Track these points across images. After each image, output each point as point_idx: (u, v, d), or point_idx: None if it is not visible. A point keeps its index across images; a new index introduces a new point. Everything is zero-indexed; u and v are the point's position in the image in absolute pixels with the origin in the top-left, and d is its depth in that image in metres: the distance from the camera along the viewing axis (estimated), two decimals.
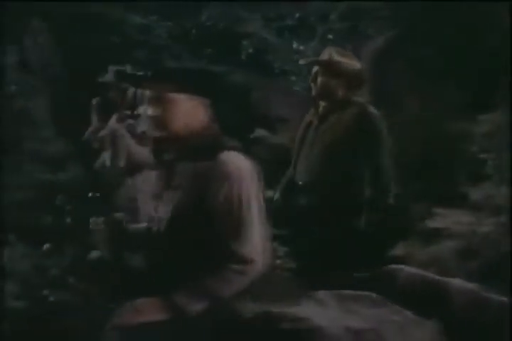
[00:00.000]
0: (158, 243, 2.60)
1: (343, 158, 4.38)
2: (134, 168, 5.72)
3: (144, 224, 2.77)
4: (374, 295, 2.86)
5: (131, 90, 6.28)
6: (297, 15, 8.51)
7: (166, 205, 2.59)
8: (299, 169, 4.54)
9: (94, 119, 6.91)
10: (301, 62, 5.09)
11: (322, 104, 4.59)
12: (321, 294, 2.81)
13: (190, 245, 2.50)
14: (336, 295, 2.81)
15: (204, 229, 2.48)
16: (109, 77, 6.20)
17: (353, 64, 4.55)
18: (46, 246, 5.08)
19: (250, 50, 8.34)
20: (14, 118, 6.99)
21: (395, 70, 7.97)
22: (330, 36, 8.69)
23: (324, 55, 4.63)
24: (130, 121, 6.30)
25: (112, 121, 6.28)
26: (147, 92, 2.61)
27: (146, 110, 2.60)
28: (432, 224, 5.96)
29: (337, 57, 4.51)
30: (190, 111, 2.59)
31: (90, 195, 2.74)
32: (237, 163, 2.50)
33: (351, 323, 2.61)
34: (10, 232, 5.68)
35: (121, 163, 6.58)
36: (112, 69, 6.24)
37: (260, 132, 7.88)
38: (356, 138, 4.36)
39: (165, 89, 2.56)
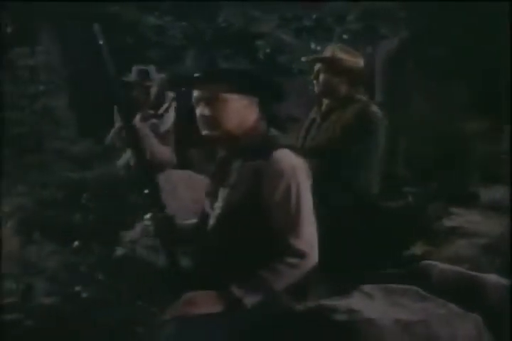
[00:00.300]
0: (210, 238, 2.68)
1: (341, 156, 4.40)
2: (157, 167, 5.79)
3: (193, 221, 2.85)
4: (418, 288, 2.93)
5: (154, 89, 6.35)
6: (314, 16, 8.56)
7: (218, 202, 2.68)
8: None
9: (118, 119, 6.98)
10: (304, 59, 4.99)
11: (325, 101, 4.58)
12: (368, 288, 2.89)
13: (242, 240, 2.59)
14: (383, 289, 2.89)
15: (257, 224, 2.57)
16: (132, 76, 6.26)
17: (356, 61, 4.51)
18: (76, 243, 5.15)
19: (267, 50, 8.40)
20: (38, 117, 7.07)
21: (408, 70, 8.02)
22: (345, 36, 8.73)
23: (327, 52, 4.58)
24: (153, 120, 6.37)
25: (136, 121, 6.34)
26: (201, 93, 2.70)
27: (201, 110, 2.68)
28: (449, 223, 6.00)
29: (340, 55, 4.48)
30: (242, 111, 2.67)
31: (146, 191, 2.81)
32: (291, 160, 2.60)
33: (400, 316, 2.69)
34: (36, 230, 5.76)
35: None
36: (135, 69, 6.31)
37: (272, 131, 7.93)
38: (352, 137, 4.37)
39: (217, 90, 2.65)
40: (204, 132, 2.70)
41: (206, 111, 2.68)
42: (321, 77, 4.51)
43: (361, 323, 2.61)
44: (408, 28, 7.95)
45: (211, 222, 2.71)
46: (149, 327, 4.53)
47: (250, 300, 2.51)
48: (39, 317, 4.64)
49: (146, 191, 2.81)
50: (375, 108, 4.50)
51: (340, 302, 2.72)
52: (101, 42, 2.87)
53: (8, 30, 6.56)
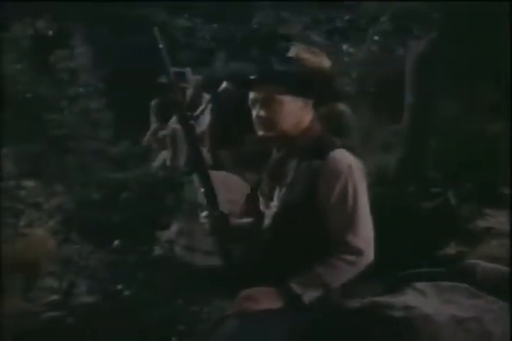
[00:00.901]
0: (265, 237, 2.74)
1: None
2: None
3: (248, 219, 2.92)
4: (468, 286, 2.96)
5: (190, 91, 6.43)
6: (347, 17, 8.58)
7: (274, 201, 2.74)
8: None
9: (153, 120, 7.07)
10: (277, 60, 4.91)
11: None
12: (420, 285, 2.93)
13: (298, 238, 2.65)
14: (434, 286, 2.92)
15: (313, 222, 2.63)
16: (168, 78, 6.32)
17: (319, 61, 4.39)
18: (116, 243, 5.23)
19: None
20: (77, 118, 7.17)
21: (437, 71, 8.01)
22: (376, 37, 8.73)
23: (291, 53, 4.48)
24: (190, 121, 6.44)
25: (173, 122, 6.43)
26: (256, 94, 2.76)
27: (257, 111, 2.74)
28: (483, 223, 6.01)
29: (303, 55, 4.37)
30: (297, 112, 2.72)
31: (202, 190, 2.87)
32: (348, 160, 2.65)
33: (454, 312, 2.72)
34: (75, 230, 5.86)
35: (181, 162, 6.76)
36: (172, 70, 6.38)
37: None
38: None
39: (272, 91, 2.71)
40: (260, 133, 2.76)
41: (262, 113, 2.73)
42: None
43: (418, 319, 2.64)
44: (439, 28, 7.95)
45: (266, 221, 2.77)
46: (190, 325, 4.62)
47: (309, 296, 2.57)
48: (81, 315, 4.73)
49: (202, 190, 2.86)
50: (342, 106, 4.42)
51: (396, 299, 2.77)
52: (161, 46, 2.93)
53: (49, 33, 6.66)
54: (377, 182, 6.41)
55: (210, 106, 6.63)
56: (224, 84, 9.75)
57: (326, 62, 4.28)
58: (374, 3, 8.23)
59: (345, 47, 8.80)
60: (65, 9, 9.84)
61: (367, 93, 8.90)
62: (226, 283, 2.78)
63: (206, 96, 6.64)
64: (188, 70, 6.47)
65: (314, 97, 2.75)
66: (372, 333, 2.67)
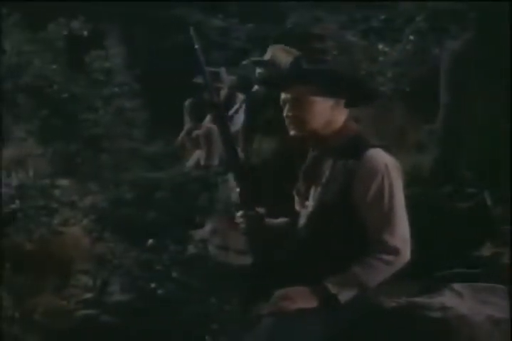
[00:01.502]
0: (301, 236, 2.74)
1: None
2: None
3: (282, 219, 2.91)
4: (504, 287, 2.94)
5: (224, 91, 6.43)
6: (382, 17, 8.55)
7: (310, 201, 2.74)
8: None
9: (187, 120, 7.09)
10: (244, 62, 4.63)
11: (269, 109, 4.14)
12: (457, 285, 2.91)
13: (334, 237, 2.64)
14: (470, 287, 2.91)
15: (349, 221, 2.62)
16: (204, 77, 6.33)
17: None
18: (150, 241, 5.25)
19: (335, 52, 8.42)
20: (112, 118, 7.22)
21: (472, 71, 7.96)
22: (411, 37, 8.69)
23: (267, 55, 4.25)
24: (226, 121, 6.44)
25: (207, 121, 6.44)
26: (287, 94, 2.75)
27: (287, 111, 2.74)
28: None
29: (279, 56, 4.08)
30: (328, 111, 2.72)
31: (238, 190, 2.88)
32: (383, 159, 2.64)
33: (490, 313, 2.71)
34: (109, 228, 5.90)
35: (215, 162, 6.77)
36: (207, 70, 6.38)
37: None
38: None
39: (303, 91, 2.70)
40: (291, 132, 2.76)
41: (292, 112, 2.73)
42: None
43: (454, 320, 2.63)
44: (475, 28, 7.90)
45: (302, 220, 2.76)
46: (224, 324, 4.62)
47: (345, 296, 2.56)
48: (114, 313, 4.76)
49: (237, 189, 2.86)
50: None
51: (433, 300, 2.76)
52: (196, 46, 2.93)
53: (84, 33, 6.72)
54: (412, 182, 6.38)
55: (244, 105, 6.63)
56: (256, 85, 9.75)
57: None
58: (410, 3, 8.20)
59: (380, 46, 8.76)
60: (99, 10, 9.93)
61: (402, 93, 8.87)
62: (261, 283, 2.78)
63: (240, 96, 6.64)
64: (222, 70, 6.48)
65: (345, 97, 2.74)
66: (408, 333, 2.66)
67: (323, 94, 2.70)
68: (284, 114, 2.76)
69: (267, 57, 4.20)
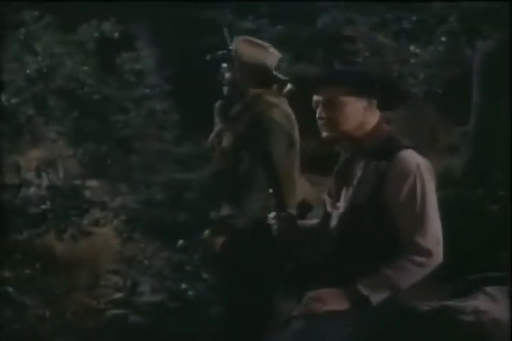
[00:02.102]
0: (332, 237, 2.72)
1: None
2: None
3: (314, 220, 2.90)
4: None
5: None
6: (414, 18, 8.50)
7: (341, 202, 2.73)
8: None
9: (217, 121, 7.08)
10: (208, 57, 4.23)
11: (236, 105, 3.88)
12: (490, 289, 2.88)
13: (365, 238, 2.63)
14: (504, 290, 2.88)
15: (380, 223, 2.60)
16: None
17: (257, 56, 3.67)
18: (180, 242, 5.26)
19: (366, 54, 8.32)
20: (143, 119, 7.25)
21: (505, 71, 7.89)
22: (443, 38, 8.63)
23: (233, 46, 3.76)
24: None
25: None
26: (319, 95, 2.74)
27: (319, 113, 2.73)
28: None
29: (242, 49, 3.67)
30: (360, 113, 2.70)
31: (271, 191, 2.88)
32: (416, 160, 2.63)
33: None
34: (139, 229, 5.93)
35: None
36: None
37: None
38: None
39: (335, 92, 2.69)
40: (323, 134, 2.75)
41: (324, 114, 2.72)
42: (226, 75, 3.75)
43: (488, 324, 2.60)
44: (507, 28, 7.83)
45: (333, 221, 2.75)
46: None
47: (376, 298, 2.53)
48: (144, 314, 4.77)
49: (271, 190, 2.86)
50: (277, 114, 3.62)
51: (466, 303, 2.72)
52: (231, 47, 2.92)
53: (115, 35, 6.74)
54: (444, 184, 6.35)
55: None
56: (289, 86, 9.72)
57: (265, 56, 3.60)
58: (442, 4, 8.14)
59: (412, 48, 8.72)
60: (130, 11, 9.98)
61: (434, 94, 8.82)
62: (292, 284, 2.77)
63: None
64: None
65: (378, 98, 2.72)
66: (441, 337, 2.63)
67: (356, 94, 2.68)
68: (317, 116, 2.74)
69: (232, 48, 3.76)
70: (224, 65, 3.72)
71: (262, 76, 3.67)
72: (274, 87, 3.72)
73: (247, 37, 3.75)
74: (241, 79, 3.66)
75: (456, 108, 9.23)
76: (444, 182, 6.35)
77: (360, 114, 2.70)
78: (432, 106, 9.37)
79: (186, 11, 10.72)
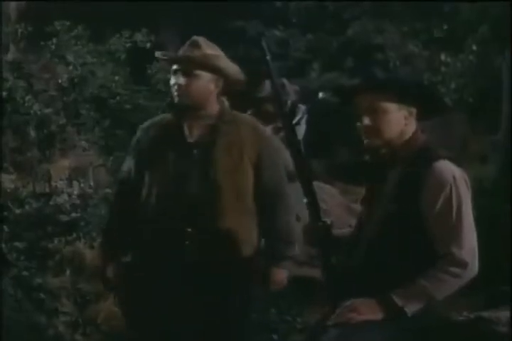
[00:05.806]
0: (366, 247, 2.72)
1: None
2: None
3: (348, 230, 2.90)
4: None
5: (287, 102, 6.40)
6: (445, 26, 8.49)
7: (375, 211, 2.73)
8: None
9: None
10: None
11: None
12: None
13: (399, 248, 2.62)
14: None
15: (415, 233, 2.60)
16: (266, 90, 6.32)
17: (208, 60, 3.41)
18: None
19: (397, 62, 8.34)
20: None
21: None
22: (474, 47, 8.61)
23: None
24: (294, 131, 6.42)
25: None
26: (361, 103, 2.75)
27: (362, 120, 2.73)
28: None
29: (194, 51, 3.44)
30: (402, 121, 2.72)
31: (305, 200, 2.88)
32: (452, 171, 2.63)
33: None
34: None
35: None
36: (277, 81, 6.36)
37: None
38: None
39: (378, 99, 2.70)
40: (365, 141, 2.76)
41: (367, 121, 2.73)
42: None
43: None
44: None
45: (367, 230, 2.75)
46: (284, 335, 4.60)
47: (411, 308, 2.54)
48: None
49: (305, 200, 2.86)
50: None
51: (500, 314, 2.72)
52: (268, 58, 2.94)
53: (147, 45, 6.77)
54: (475, 194, 6.31)
55: (306, 116, 6.62)
56: (320, 95, 9.69)
57: (218, 61, 3.29)
58: (472, 12, 8.13)
59: (442, 57, 8.71)
60: (161, 21, 10.04)
61: (465, 103, 8.78)
62: (326, 294, 2.77)
63: (302, 107, 6.62)
64: (285, 81, 6.46)
65: (418, 106, 2.73)
66: None
67: (398, 101, 2.70)
68: (358, 124, 2.75)
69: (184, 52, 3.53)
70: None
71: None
72: None
73: (201, 38, 3.45)
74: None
75: (486, 117, 9.19)
76: (474, 191, 6.31)
77: (402, 122, 2.72)
78: (463, 115, 9.33)
79: (217, 21, 10.78)
